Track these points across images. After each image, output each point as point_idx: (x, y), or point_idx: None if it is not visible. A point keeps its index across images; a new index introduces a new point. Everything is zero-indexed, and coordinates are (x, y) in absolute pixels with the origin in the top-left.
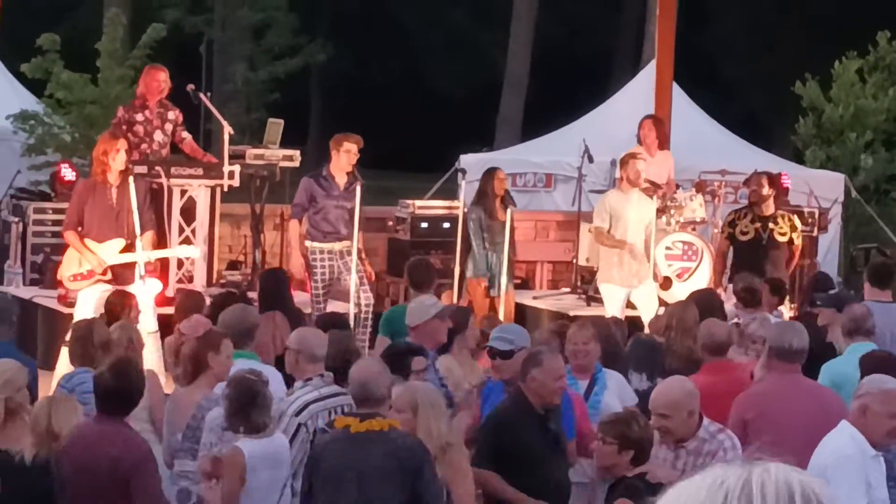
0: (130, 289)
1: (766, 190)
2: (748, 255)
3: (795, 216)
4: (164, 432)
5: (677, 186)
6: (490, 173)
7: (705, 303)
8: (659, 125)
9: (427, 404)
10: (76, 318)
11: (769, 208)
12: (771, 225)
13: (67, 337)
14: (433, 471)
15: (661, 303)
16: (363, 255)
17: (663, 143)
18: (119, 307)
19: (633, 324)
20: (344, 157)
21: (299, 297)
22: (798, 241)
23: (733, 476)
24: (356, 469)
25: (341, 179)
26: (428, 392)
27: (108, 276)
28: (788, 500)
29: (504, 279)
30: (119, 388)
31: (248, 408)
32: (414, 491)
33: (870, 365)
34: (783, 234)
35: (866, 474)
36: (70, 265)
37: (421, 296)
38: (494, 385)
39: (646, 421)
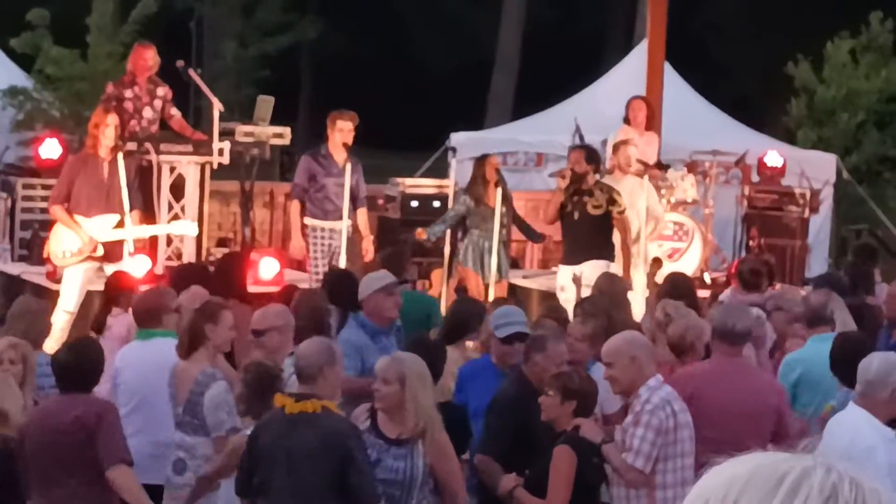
0: (119, 266)
1: (582, 165)
2: (566, 227)
3: (616, 192)
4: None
5: (663, 167)
6: (482, 160)
7: (678, 286)
8: (648, 106)
9: (414, 376)
10: (62, 296)
11: (587, 182)
12: (585, 198)
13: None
14: (364, 456)
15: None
16: (364, 233)
17: (649, 124)
18: (116, 291)
19: None
20: (338, 135)
21: (298, 276)
22: (618, 215)
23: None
24: (286, 450)
25: (340, 157)
26: (415, 363)
27: (99, 252)
28: None
29: (494, 264)
30: (77, 365)
31: (268, 393)
32: (342, 475)
33: (846, 346)
34: (597, 208)
35: (890, 460)
36: (58, 241)
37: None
38: (478, 365)
39: (589, 374)
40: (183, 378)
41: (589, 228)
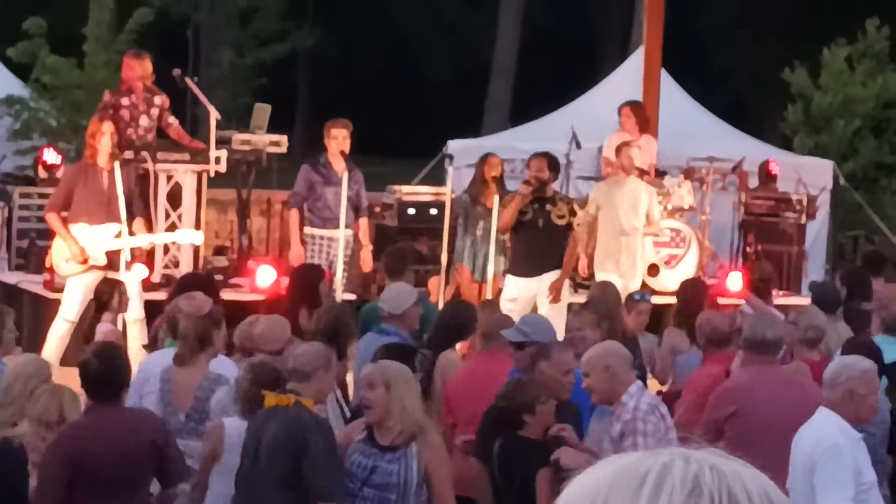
0: (117, 276)
1: (545, 173)
2: (525, 236)
3: (576, 202)
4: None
5: (660, 174)
6: (482, 159)
7: (694, 292)
8: (637, 110)
9: (401, 381)
10: (63, 305)
11: (549, 191)
12: (549, 206)
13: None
14: (326, 448)
15: (648, 289)
16: (364, 243)
17: (644, 127)
18: (108, 296)
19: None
20: (333, 143)
21: None
22: (576, 227)
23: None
24: (256, 442)
25: (339, 166)
26: (401, 369)
27: (101, 262)
28: None
29: (491, 265)
30: (108, 372)
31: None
32: (298, 465)
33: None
34: (561, 218)
35: (855, 461)
36: (60, 250)
37: (396, 283)
38: None
39: (529, 383)
40: (184, 385)
41: (551, 238)
